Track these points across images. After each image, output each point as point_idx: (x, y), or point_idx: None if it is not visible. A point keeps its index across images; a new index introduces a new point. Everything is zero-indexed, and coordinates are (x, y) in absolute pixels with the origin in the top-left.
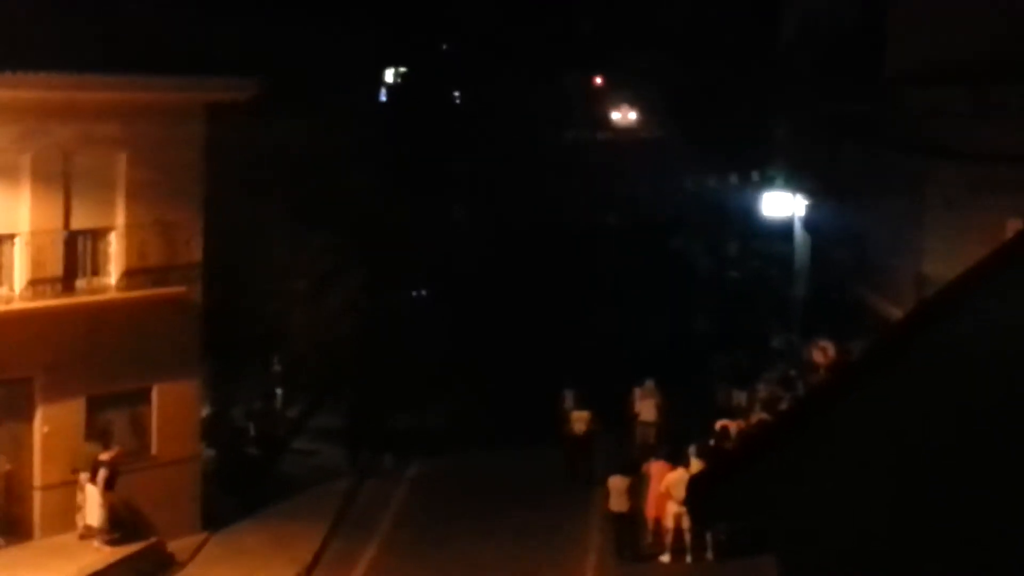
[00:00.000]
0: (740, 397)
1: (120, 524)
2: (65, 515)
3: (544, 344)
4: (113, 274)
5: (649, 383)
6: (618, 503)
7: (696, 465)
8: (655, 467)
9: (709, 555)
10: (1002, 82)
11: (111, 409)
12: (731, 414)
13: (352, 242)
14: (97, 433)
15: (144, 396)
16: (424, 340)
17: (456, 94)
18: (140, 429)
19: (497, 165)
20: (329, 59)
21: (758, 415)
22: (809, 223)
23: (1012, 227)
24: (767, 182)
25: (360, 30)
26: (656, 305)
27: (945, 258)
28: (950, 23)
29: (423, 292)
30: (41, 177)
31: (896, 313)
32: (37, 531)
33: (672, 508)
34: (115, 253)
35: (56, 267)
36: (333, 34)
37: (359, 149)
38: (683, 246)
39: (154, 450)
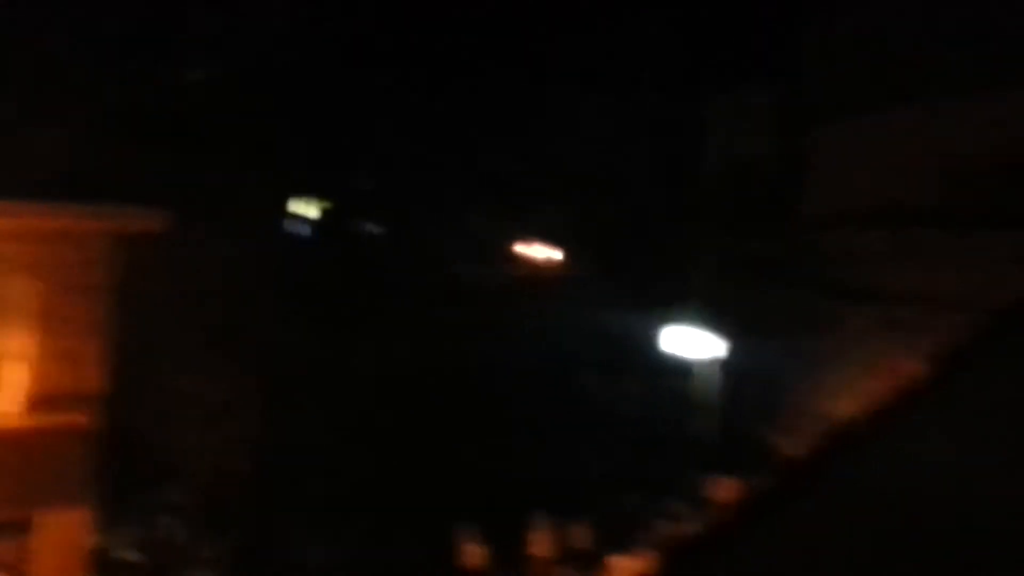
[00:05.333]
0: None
1: None
2: None
3: (446, 480)
4: (13, 402)
5: (546, 521)
6: None
7: None
8: None
9: None
10: (913, 227)
11: None
12: (630, 550)
13: (253, 374)
14: None
15: (29, 526)
16: (323, 476)
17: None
18: (24, 560)
19: (406, 302)
20: (246, 192)
21: (657, 555)
22: (723, 363)
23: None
24: (681, 320)
25: (279, 162)
26: (560, 441)
27: (851, 398)
28: (867, 168)
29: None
30: None
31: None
32: None
33: None
34: (16, 380)
35: None
36: (253, 169)
37: (272, 281)
38: (591, 383)
39: None
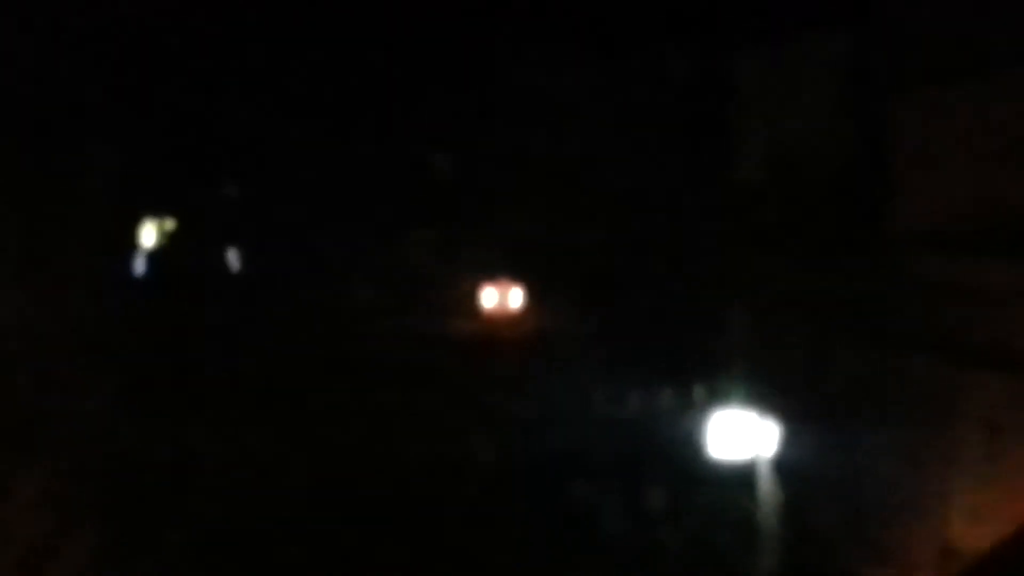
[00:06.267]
0: None
1: None
2: None
3: None
4: None
5: None
6: None
7: None
8: None
9: None
10: None
11: None
12: None
13: None
14: None
15: None
16: None
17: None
18: None
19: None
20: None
21: None
22: (783, 463)
23: None
24: (716, 400)
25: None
26: None
27: (983, 517)
28: (990, 157)
29: None
30: None
31: None
32: None
33: None
34: None
35: None
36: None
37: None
38: (587, 495)
39: None
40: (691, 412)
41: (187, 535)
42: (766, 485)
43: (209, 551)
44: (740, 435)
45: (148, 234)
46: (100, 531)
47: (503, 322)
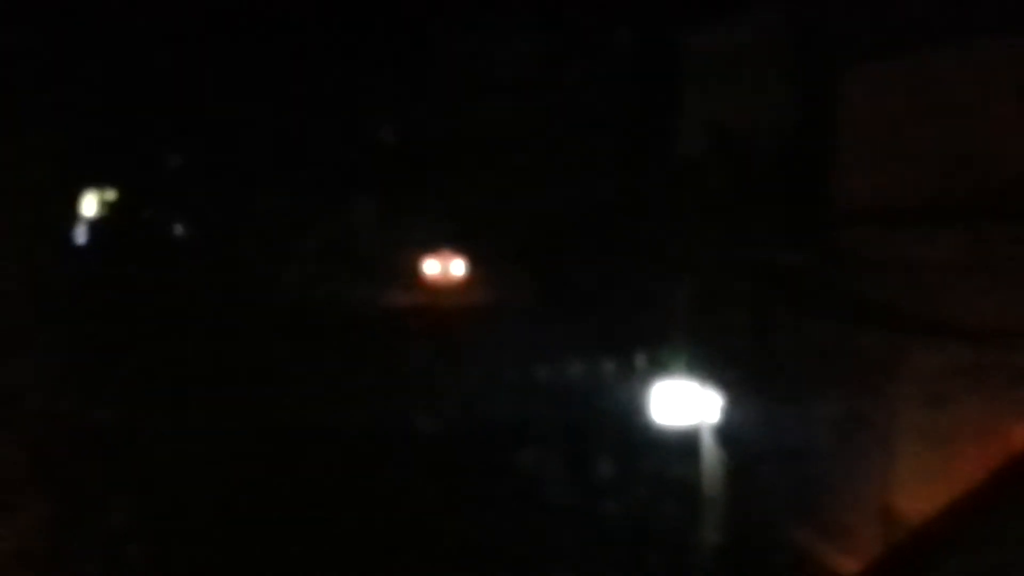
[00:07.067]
0: None
1: None
2: None
3: None
4: None
5: None
6: None
7: None
8: None
9: None
10: (1005, 225)
11: None
12: None
13: None
14: None
15: None
16: None
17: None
18: None
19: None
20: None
21: None
22: (725, 431)
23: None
24: (660, 369)
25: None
26: (496, 554)
27: (924, 483)
28: (933, 135)
29: None
30: None
31: (851, 567)
32: None
33: None
34: None
35: None
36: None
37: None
38: (533, 465)
39: None
40: (634, 381)
41: (133, 506)
42: (709, 453)
43: (155, 522)
44: (682, 404)
45: (89, 205)
46: (44, 501)
47: (445, 292)
